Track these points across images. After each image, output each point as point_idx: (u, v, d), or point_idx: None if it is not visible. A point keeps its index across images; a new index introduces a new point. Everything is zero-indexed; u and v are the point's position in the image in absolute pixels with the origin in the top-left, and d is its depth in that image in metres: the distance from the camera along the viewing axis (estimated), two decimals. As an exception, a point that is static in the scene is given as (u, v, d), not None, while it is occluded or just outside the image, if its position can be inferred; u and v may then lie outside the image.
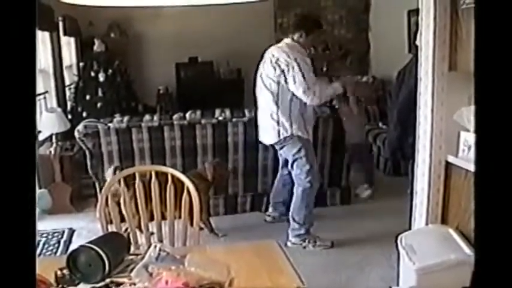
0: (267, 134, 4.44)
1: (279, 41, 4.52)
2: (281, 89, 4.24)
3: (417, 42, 3.32)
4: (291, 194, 4.55)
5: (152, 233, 2.80)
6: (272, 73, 4.27)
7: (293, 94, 4.21)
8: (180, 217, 2.71)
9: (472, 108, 2.95)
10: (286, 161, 4.64)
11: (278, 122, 4.28)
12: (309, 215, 4.47)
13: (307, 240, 4.44)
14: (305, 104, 4.24)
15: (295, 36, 4.35)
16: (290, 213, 4.50)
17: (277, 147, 4.50)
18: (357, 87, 4.66)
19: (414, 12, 6.61)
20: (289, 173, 4.62)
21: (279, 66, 4.22)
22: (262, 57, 4.51)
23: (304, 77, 4.16)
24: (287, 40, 4.39)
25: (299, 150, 4.32)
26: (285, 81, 4.20)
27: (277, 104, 4.27)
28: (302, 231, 4.44)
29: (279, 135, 4.31)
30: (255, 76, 4.57)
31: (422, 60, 3.16)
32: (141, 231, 2.85)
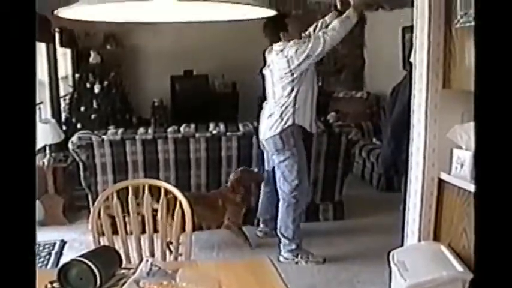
0: (267, 127, 4.39)
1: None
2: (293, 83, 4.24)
3: (411, 60, 3.34)
4: (277, 209, 4.54)
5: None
6: (283, 65, 4.24)
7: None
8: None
9: (465, 125, 2.97)
10: (268, 178, 4.67)
11: (281, 115, 4.27)
12: (297, 230, 4.44)
13: (299, 256, 4.42)
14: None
15: (282, 39, 4.33)
16: (278, 230, 4.48)
17: (271, 150, 4.43)
18: None
19: (409, 29, 6.63)
20: (272, 190, 4.63)
21: (281, 53, 4.22)
22: (264, 63, 4.54)
23: (306, 44, 4.16)
24: (277, 44, 4.35)
25: (292, 165, 4.31)
26: (288, 57, 4.17)
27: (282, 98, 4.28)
28: (293, 247, 4.43)
29: (277, 128, 4.28)
30: (263, 82, 4.57)
31: (416, 78, 3.18)
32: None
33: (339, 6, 4.32)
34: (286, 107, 4.25)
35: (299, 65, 4.16)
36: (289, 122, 4.26)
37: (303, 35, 4.44)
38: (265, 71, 4.48)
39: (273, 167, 4.54)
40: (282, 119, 4.26)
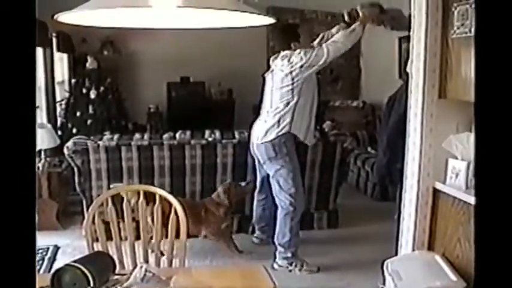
0: (261, 132, 4.38)
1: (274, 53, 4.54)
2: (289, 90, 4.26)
3: (408, 70, 3.36)
4: (273, 216, 4.54)
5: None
6: (279, 63, 4.30)
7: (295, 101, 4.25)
8: (166, 237, 2.70)
9: (461, 135, 2.98)
10: (261, 185, 4.66)
11: (278, 121, 4.27)
12: (294, 238, 4.43)
13: (293, 264, 4.41)
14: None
15: (292, 48, 4.36)
16: (275, 238, 4.47)
17: (262, 158, 4.41)
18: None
19: (405, 39, 6.68)
20: (266, 197, 4.64)
21: (286, 58, 4.26)
22: (268, 68, 4.56)
23: (311, 53, 4.21)
24: (285, 51, 4.38)
25: (288, 173, 4.31)
26: (293, 63, 4.20)
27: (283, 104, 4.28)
28: (289, 254, 4.42)
29: (271, 134, 4.27)
30: (262, 88, 4.58)
31: (413, 88, 3.19)
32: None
33: (346, 19, 4.34)
34: (284, 114, 4.25)
35: (301, 72, 4.19)
36: (285, 130, 4.25)
37: (311, 45, 4.46)
38: (267, 76, 4.49)
39: (267, 176, 4.54)
40: (279, 125, 4.26)
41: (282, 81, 4.27)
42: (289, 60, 4.23)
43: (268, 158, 4.35)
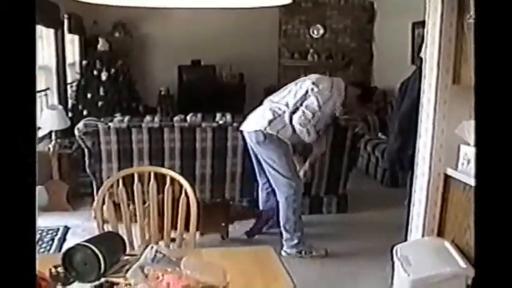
0: (256, 121, 4.41)
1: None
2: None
3: (421, 55, 3.33)
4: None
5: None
6: (308, 84, 4.33)
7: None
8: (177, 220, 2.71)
9: (473, 122, 2.95)
10: (261, 169, 4.62)
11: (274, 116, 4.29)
12: (299, 222, 4.42)
13: (303, 252, 4.40)
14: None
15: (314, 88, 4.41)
16: (281, 225, 4.46)
17: (252, 141, 4.41)
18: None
19: (419, 25, 6.64)
20: (268, 180, 4.60)
21: (314, 88, 4.29)
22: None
23: (316, 109, 4.23)
24: (321, 84, 4.39)
25: (279, 157, 4.30)
26: (305, 95, 4.27)
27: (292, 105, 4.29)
28: (295, 241, 4.40)
29: (262, 126, 4.29)
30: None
31: (426, 73, 3.16)
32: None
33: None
34: (282, 127, 4.28)
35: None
36: (273, 132, 4.27)
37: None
38: (297, 82, 4.51)
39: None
40: (273, 127, 4.27)
41: (297, 98, 4.32)
42: (308, 94, 4.29)
43: (257, 141, 4.33)
